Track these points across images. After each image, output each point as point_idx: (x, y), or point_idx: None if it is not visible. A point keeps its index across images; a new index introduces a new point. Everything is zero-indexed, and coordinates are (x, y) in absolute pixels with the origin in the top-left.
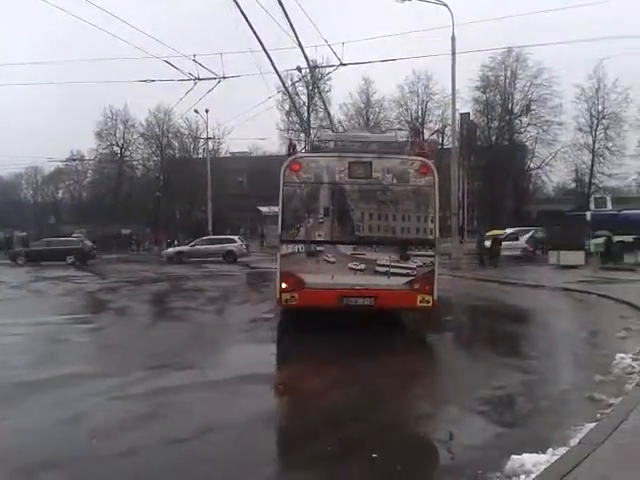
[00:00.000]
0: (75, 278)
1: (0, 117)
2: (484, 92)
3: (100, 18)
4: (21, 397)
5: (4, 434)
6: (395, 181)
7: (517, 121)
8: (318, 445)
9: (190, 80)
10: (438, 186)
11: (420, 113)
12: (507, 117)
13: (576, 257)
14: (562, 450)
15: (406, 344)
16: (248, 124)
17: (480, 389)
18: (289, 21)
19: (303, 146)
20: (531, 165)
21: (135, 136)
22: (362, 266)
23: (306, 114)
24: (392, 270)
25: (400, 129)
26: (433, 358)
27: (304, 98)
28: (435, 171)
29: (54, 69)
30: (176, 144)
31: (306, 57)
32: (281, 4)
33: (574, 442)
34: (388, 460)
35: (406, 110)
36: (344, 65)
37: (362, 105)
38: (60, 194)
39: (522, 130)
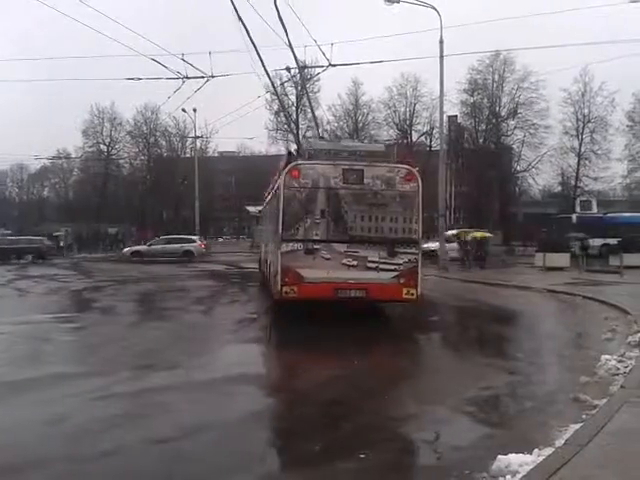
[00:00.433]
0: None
1: None
2: (472, 95)
3: (87, 15)
4: (2, 397)
5: None
6: (384, 187)
7: (504, 124)
8: (305, 445)
9: (178, 79)
10: (422, 191)
11: (408, 115)
12: (494, 120)
13: (562, 259)
14: (548, 451)
15: (393, 345)
16: (236, 124)
17: (466, 389)
18: (282, 22)
19: (295, 149)
20: (518, 168)
21: (122, 134)
22: (354, 262)
23: (295, 115)
24: (381, 266)
25: (387, 141)
26: (420, 359)
27: (293, 98)
28: (419, 178)
29: (40, 65)
30: (163, 143)
31: (295, 57)
32: (276, 6)
33: (560, 443)
34: (375, 460)
35: (394, 112)
36: (333, 66)
37: (351, 107)
38: (46, 192)
39: (509, 133)
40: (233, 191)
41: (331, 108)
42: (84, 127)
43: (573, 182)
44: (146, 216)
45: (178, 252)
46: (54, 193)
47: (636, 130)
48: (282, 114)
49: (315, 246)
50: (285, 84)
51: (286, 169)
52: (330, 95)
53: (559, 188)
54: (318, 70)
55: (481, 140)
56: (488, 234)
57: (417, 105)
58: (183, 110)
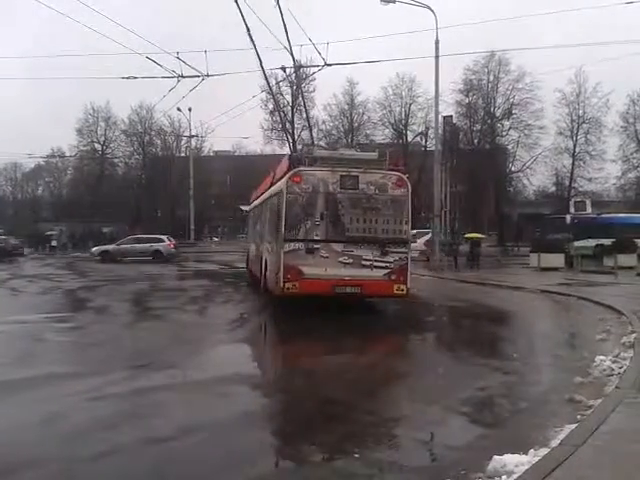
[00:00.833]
0: None
1: None
2: (467, 95)
3: (81, 13)
4: None
5: None
6: (377, 191)
7: (499, 124)
8: (300, 445)
9: (173, 78)
10: (411, 195)
11: (404, 115)
12: (489, 120)
13: (556, 259)
14: (543, 451)
15: (388, 345)
16: (231, 123)
17: (462, 390)
18: (284, 23)
19: (292, 152)
20: (512, 168)
21: (117, 133)
22: (350, 261)
23: (290, 114)
24: (374, 264)
25: (382, 141)
26: (415, 359)
27: (288, 98)
28: (409, 184)
29: (35, 64)
30: (158, 142)
31: (293, 57)
32: (279, 8)
33: (555, 443)
34: (370, 460)
35: (390, 112)
36: (329, 65)
37: (346, 106)
38: (40, 191)
39: (504, 133)
40: (228, 190)
41: (327, 108)
42: (79, 126)
43: (567, 183)
44: (141, 215)
45: (147, 251)
46: (48, 192)
47: (630, 131)
48: (277, 113)
49: (315, 246)
50: (280, 83)
51: (288, 175)
52: (326, 95)
53: (553, 189)
54: (314, 69)
55: (476, 140)
56: (479, 235)
57: (412, 105)
58: (178, 109)
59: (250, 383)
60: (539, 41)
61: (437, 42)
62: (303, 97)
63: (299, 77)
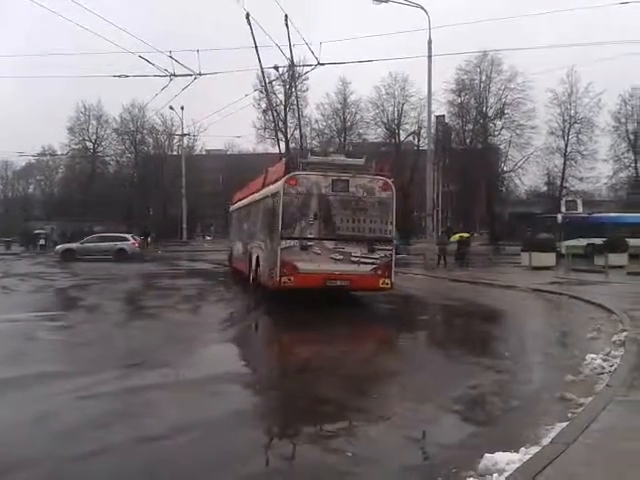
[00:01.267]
0: None
1: None
2: (459, 95)
3: (73, 11)
4: None
5: None
6: (365, 194)
7: (491, 124)
8: (292, 444)
9: (166, 76)
10: (395, 198)
11: (396, 115)
12: (481, 120)
13: (548, 259)
14: (534, 449)
15: (380, 343)
16: (224, 122)
17: (453, 388)
18: (287, 24)
19: (282, 148)
20: (504, 168)
21: (108, 132)
22: (340, 257)
23: (283, 113)
24: (362, 260)
25: (372, 145)
26: (406, 357)
27: (281, 97)
28: (393, 187)
29: (26, 62)
30: (150, 141)
31: (292, 57)
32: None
33: (546, 441)
34: (361, 458)
35: (382, 111)
36: (322, 65)
37: (339, 106)
38: (31, 189)
39: (496, 133)
40: (220, 189)
41: (319, 107)
42: (70, 124)
43: (559, 182)
44: (133, 214)
45: (111, 250)
46: (39, 190)
47: (621, 131)
48: (270, 112)
49: (309, 243)
50: (274, 82)
51: (285, 178)
52: (318, 94)
53: (545, 188)
54: (307, 69)
55: (468, 140)
56: (467, 234)
57: (405, 105)
58: (170, 108)
59: (242, 382)
60: (532, 41)
61: (430, 42)
62: (297, 96)
63: (292, 76)
